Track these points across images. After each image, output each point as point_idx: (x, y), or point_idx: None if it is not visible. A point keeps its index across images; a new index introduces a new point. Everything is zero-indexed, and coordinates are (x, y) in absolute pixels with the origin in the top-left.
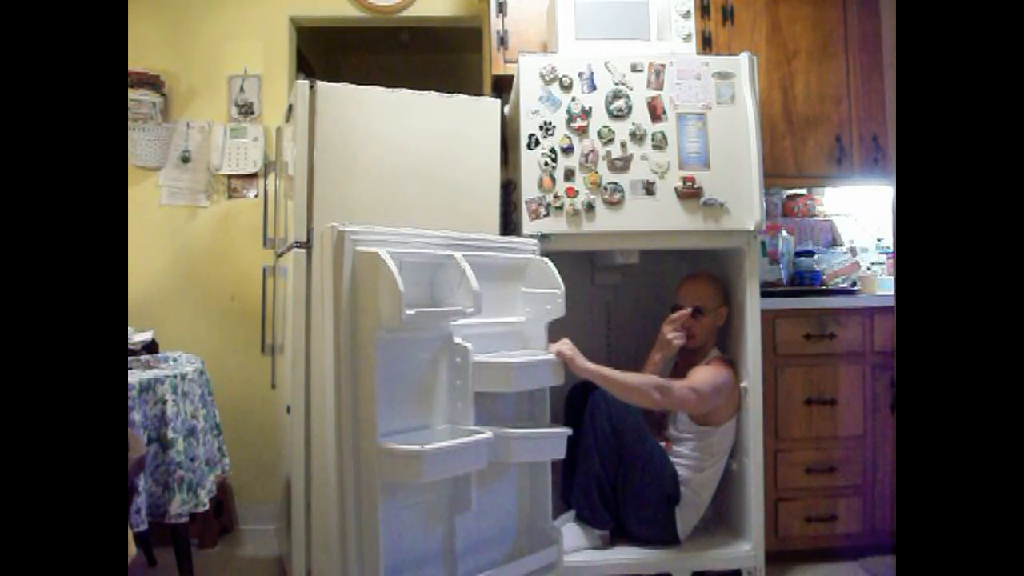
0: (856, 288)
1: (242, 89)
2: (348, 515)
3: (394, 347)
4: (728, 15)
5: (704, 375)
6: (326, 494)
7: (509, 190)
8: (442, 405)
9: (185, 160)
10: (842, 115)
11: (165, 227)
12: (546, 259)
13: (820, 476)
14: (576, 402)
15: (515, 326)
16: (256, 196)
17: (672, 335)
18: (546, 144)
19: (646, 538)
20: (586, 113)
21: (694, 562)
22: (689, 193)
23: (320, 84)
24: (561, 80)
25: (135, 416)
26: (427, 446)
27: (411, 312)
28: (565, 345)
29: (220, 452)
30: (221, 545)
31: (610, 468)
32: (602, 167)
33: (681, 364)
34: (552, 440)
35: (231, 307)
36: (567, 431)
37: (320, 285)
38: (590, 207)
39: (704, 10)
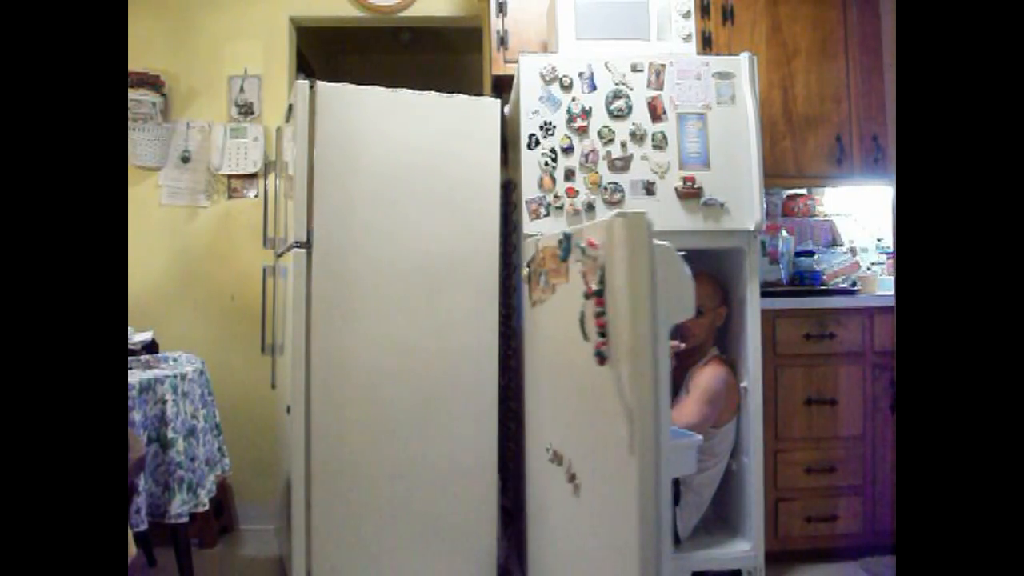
0: (856, 288)
1: (242, 89)
2: (649, 514)
3: None
4: (728, 15)
5: (694, 397)
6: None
7: (509, 190)
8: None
9: (185, 160)
10: (842, 115)
11: (165, 227)
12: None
13: (820, 476)
14: None
15: None
16: (256, 196)
17: None
18: (546, 144)
19: None
20: (586, 113)
21: (694, 562)
22: (689, 193)
23: (320, 84)
24: (561, 80)
25: (135, 416)
26: (695, 438)
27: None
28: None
29: (220, 452)
30: (221, 545)
31: None
32: (602, 167)
33: (679, 363)
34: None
35: (231, 307)
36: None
37: (622, 278)
38: (590, 207)
39: (704, 10)
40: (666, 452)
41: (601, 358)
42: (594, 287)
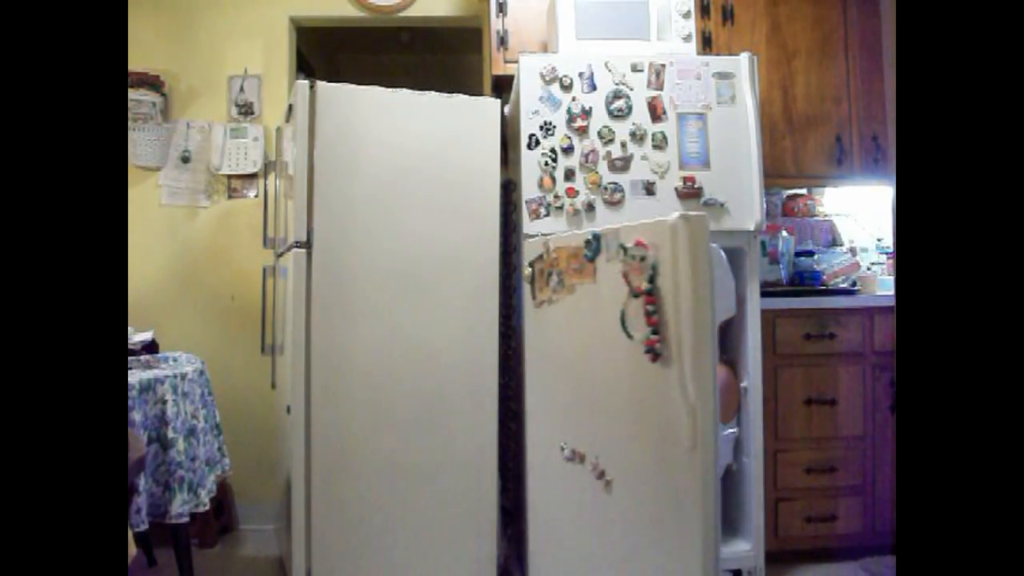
0: (856, 288)
1: (242, 89)
2: (711, 505)
3: None
4: (728, 15)
5: None
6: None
7: (509, 190)
8: None
9: (185, 160)
10: (842, 115)
11: (165, 227)
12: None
13: (820, 476)
14: None
15: None
16: (256, 196)
17: None
18: (546, 144)
19: None
20: (586, 113)
21: None
22: (689, 193)
23: (320, 84)
24: (561, 80)
25: (135, 416)
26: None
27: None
28: None
29: (220, 452)
30: (221, 545)
31: None
32: (602, 167)
33: None
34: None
35: (231, 307)
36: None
37: (686, 278)
38: (590, 207)
39: (704, 10)
40: (720, 446)
41: (654, 355)
42: (644, 286)
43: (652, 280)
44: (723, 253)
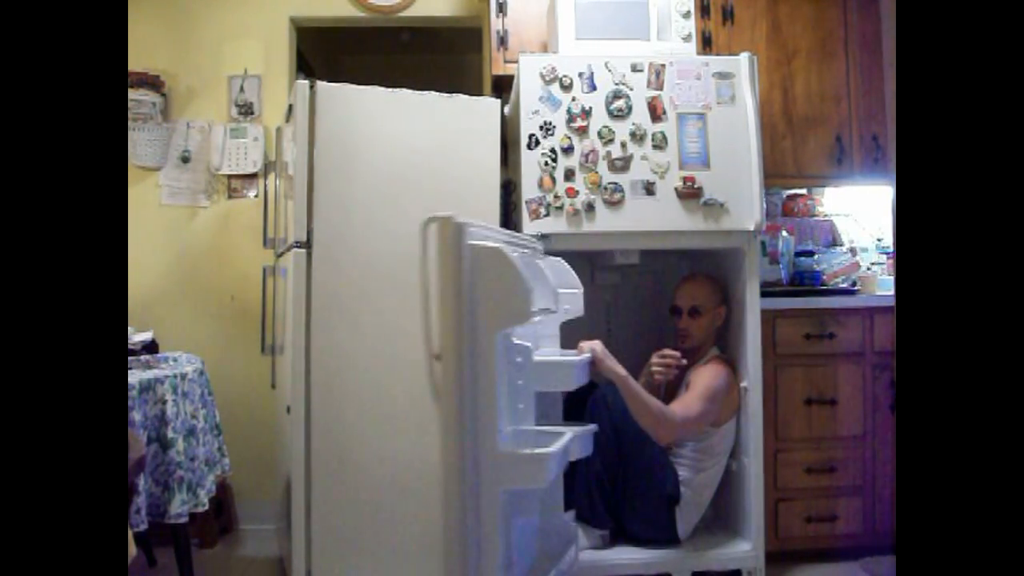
0: (856, 288)
1: (242, 89)
2: (468, 528)
3: None
4: (728, 15)
5: (695, 393)
6: (444, 507)
7: (509, 190)
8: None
9: (185, 160)
10: (842, 115)
11: (165, 227)
12: (560, 258)
13: (820, 476)
14: (574, 401)
15: (530, 326)
16: (256, 196)
17: (656, 368)
18: (546, 144)
19: (646, 538)
20: (586, 113)
21: (694, 562)
22: (689, 193)
23: (320, 84)
24: (561, 80)
25: (135, 416)
26: (549, 448)
27: (535, 309)
28: (598, 345)
29: (220, 452)
30: (221, 545)
31: (611, 468)
32: (602, 167)
33: None
34: (585, 438)
35: (231, 307)
36: (593, 428)
37: (435, 281)
38: (590, 207)
39: (704, 10)
40: (489, 462)
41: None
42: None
43: None
44: (507, 256)
